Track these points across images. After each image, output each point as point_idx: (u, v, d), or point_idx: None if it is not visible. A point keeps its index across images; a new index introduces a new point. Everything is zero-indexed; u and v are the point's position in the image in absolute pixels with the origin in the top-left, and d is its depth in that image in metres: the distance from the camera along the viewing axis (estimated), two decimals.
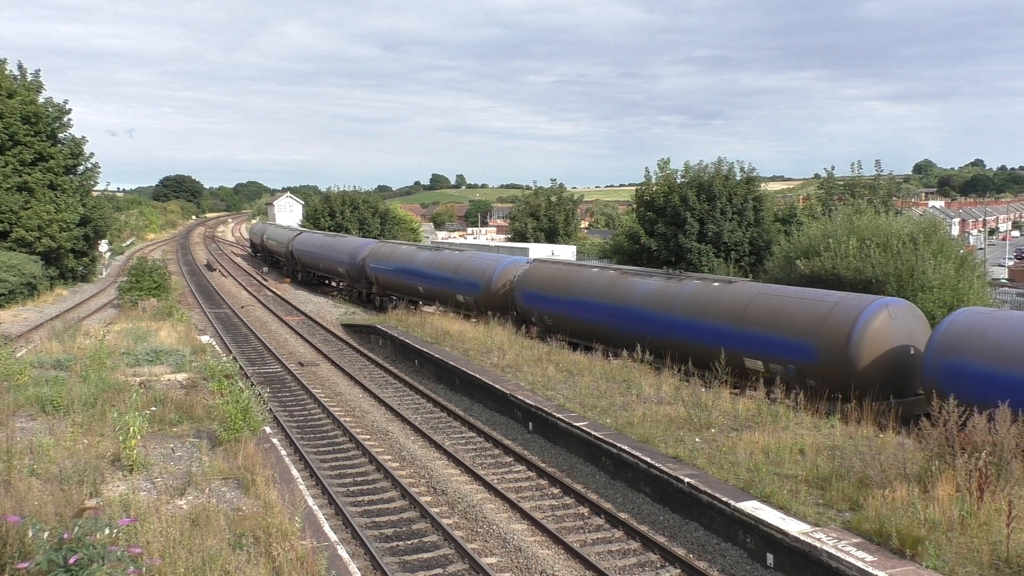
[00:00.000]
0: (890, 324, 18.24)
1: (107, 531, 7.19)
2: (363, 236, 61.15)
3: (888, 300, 19.11)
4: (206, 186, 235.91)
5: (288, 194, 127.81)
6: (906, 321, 18.57)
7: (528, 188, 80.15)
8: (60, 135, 48.81)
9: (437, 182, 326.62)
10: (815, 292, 20.79)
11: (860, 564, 10.41)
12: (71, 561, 6.63)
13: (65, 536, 6.92)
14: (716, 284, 22.74)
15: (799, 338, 19.14)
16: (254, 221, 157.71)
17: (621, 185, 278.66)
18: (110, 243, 68.39)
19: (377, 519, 14.62)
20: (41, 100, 47.62)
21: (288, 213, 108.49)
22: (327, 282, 53.66)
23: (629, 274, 26.19)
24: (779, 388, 18.55)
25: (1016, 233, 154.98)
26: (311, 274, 55.51)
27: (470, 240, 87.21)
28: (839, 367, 18.09)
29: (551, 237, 70.15)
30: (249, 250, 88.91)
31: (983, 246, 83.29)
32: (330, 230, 64.66)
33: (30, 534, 7.18)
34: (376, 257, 42.54)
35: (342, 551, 11.52)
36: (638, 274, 25.93)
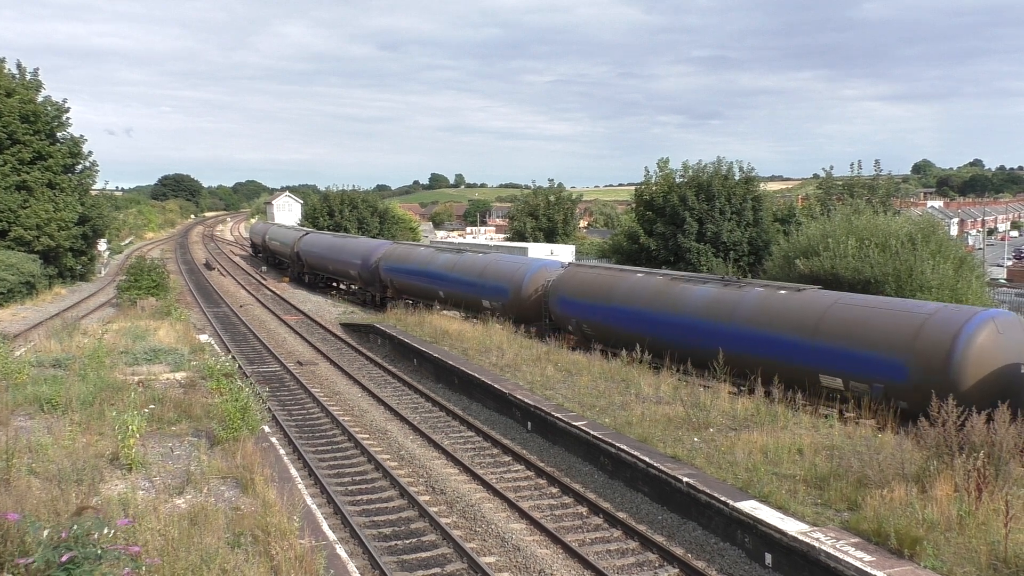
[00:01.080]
0: (998, 339, 16.25)
1: (106, 530, 7.18)
2: (360, 234, 60.84)
3: (994, 312, 17.14)
4: (205, 185, 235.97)
5: (287, 193, 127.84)
6: (1015, 335, 16.56)
7: (527, 188, 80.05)
8: (59, 134, 48.82)
9: (436, 182, 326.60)
10: (902, 302, 19.06)
11: (858, 564, 10.42)
12: (63, 559, 6.61)
13: (63, 535, 6.91)
14: (783, 292, 20.71)
15: (886, 353, 17.13)
16: (253, 220, 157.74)
17: (620, 185, 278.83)
18: (109, 242, 68.34)
19: (376, 518, 14.62)
20: (40, 99, 47.64)
21: (287, 212, 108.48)
22: (335, 285, 51.61)
23: (680, 280, 23.96)
24: (863, 408, 17.10)
25: (1015, 233, 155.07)
26: (318, 276, 53.28)
27: (469, 240, 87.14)
28: (937, 387, 15.36)
29: (550, 237, 70.14)
30: (249, 250, 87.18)
31: (982, 246, 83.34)
32: (329, 229, 64.50)
33: (30, 532, 7.17)
34: (391, 259, 40.66)
35: (340, 550, 11.52)
36: (690, 280, 23.77)
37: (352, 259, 45.16)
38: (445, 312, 34.11)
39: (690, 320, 22.20)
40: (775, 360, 19.48)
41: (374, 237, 59.61)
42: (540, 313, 29.38)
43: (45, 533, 7.03)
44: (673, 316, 22.78)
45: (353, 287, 47.31)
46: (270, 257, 69.00)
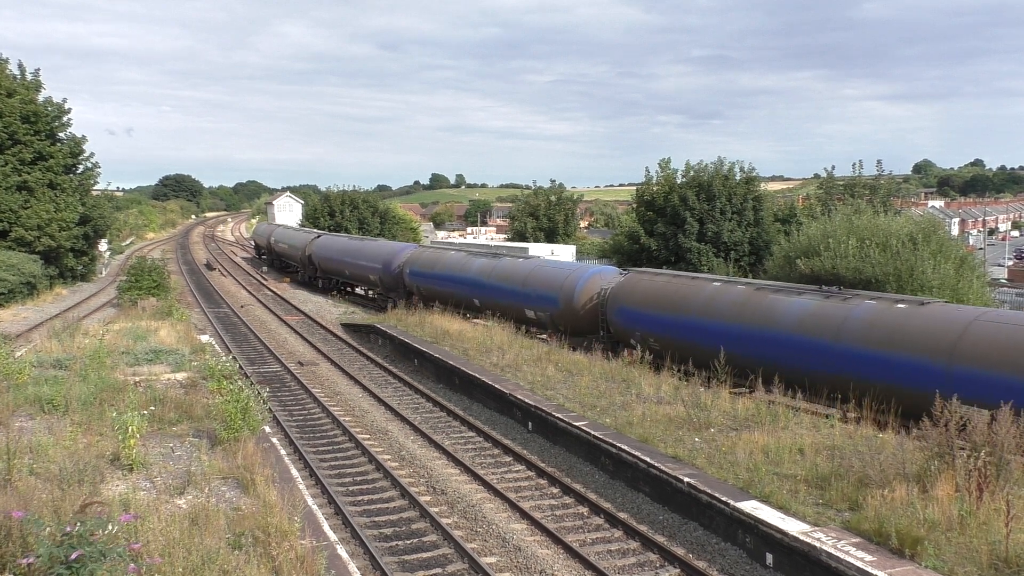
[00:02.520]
0: None
1: (110, 527, 7.19)
2: (362, 235, 60.56)
3: None
4: (205, 185, 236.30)
5: (288, 194, 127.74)
6: None
7: (527, 188, 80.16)
8: (59, 134, 48.83)
9: (436, 182, 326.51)
10: None
11: (859, 564, 10.41)
12: (72, 557, 6.62)
13: (68, 530, 6.92)
14: (902, 306, 17.98)
15: None
16: (254, 221, 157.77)
17: (620, 185, 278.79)
18: (109, 242, 68.41)
19: (376, 519, 14.62)
20: (40, 99, 47.66)
21: (287, 213, 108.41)
22: (350, 290, 49.22)
23: (768, 291, 21.23)
24: None
25: (1015, 233, 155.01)
26: (332, 281, 50.41)
27: (469, 240, 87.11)
28: None
29: (550, 237, 70.22)
30: (252, 252, 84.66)
31: (982, 246, 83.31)
32: (330, 230, 64.41)
33: (33, 531, 7.18)
34: (417, 264, 38.01)
35: (341, 551, 11.52)
36: (780, 290, 21.09)
37: (372, 263, 42.55)
38: (478, 321, 31.50)
39: (784, 336, 19.64)
40: (896, 385, 16.86)
41: (375, 237, 57.98)
42: (595, 325, 26.75)
43: (47, 531, 7.04)
44: (761, 331, 20.23)
45: (371, 293, 44.96)
46: (276, 260, 66.51)
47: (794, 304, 20.09)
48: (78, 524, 6.97)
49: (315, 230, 61.23)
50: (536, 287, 29.10)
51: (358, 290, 48.06)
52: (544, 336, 27.14)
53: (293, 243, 58.24)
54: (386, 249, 42.67)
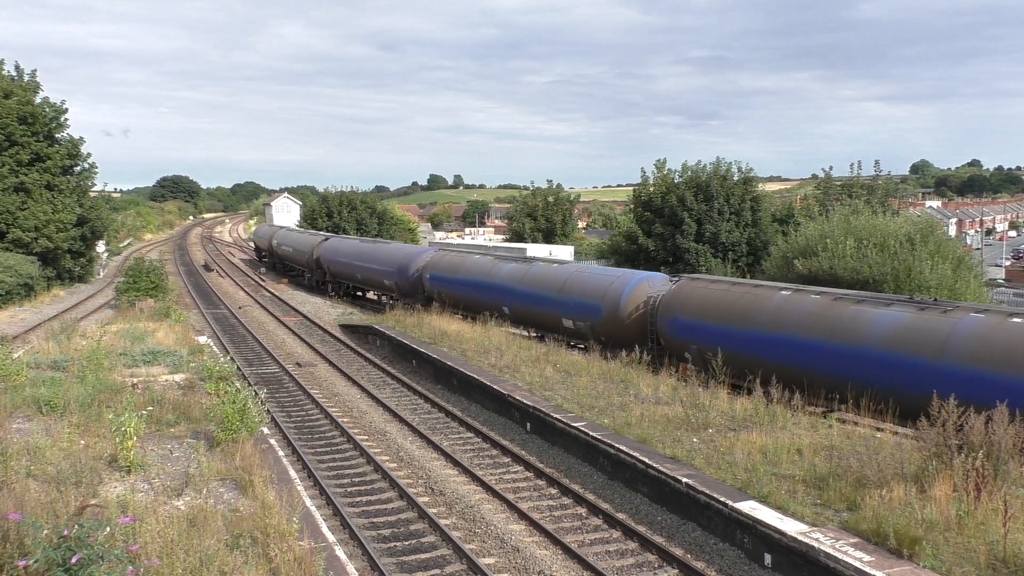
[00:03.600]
0: None
1: (107, 530, 7.19)
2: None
3: None
4: (203, 186, 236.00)
5: (286, 194, 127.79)
6: None
7: (526, 188, 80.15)
8: (57, 135, 48.83)
9: (435, 182, 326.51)
10: None
11: (857, 564, 10.42)
12: (73, 560, 6.62)
13: (65, 533, 6.92)
14: (1018, 320, 15.92)
15: None
16: (252, 222, 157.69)
17: (619, 185, 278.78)
18: (107, 244, 68.35)
19: (375, 520, 14.62)
20: (38, 100, 47.63)
21: (285, 214, 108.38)
22: (361, 295, 47.41)
23: (848, 301, 19.07)
24: None
25: (1013, 233, 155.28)
26: (342, 286, 48.41)
27: (468, 240, 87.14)
28: None
29: (548, 237, 70.29)
30: (252, 255, 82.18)
31: (980, 246, 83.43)
32: (328, 231, 64.33)
33: (31, 533, 7.17)
34: (438, 268, 36.00)
35: (340, 552, 11.52)
36: (865, 301, 18.95)
37: (387, 267, 40.52)
38: (508, 328, 29.79)
39: (872, 352, 17.63)
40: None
41: (389, 240, 55.61)
42: (642, 335, 24.53)
43: (44, 533, 7.02)
44: (843, 346, 18.23)
45: (385, 298, 42.92)
46: (278, 263, 64.00)
47: (882, 316, 18.03)
48: (76, 527, 6.97)
49: (322, 232, 59.38)
50: (575, 295, 26.94)
51: (370, 295, 46.30)
52: (583, 347, 24.85)
53: (299, 246, 55.99)
54: (403, 252, 40.82)
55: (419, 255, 38.87)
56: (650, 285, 25.37)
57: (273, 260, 65.75)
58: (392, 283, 40.01)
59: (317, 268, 50.78)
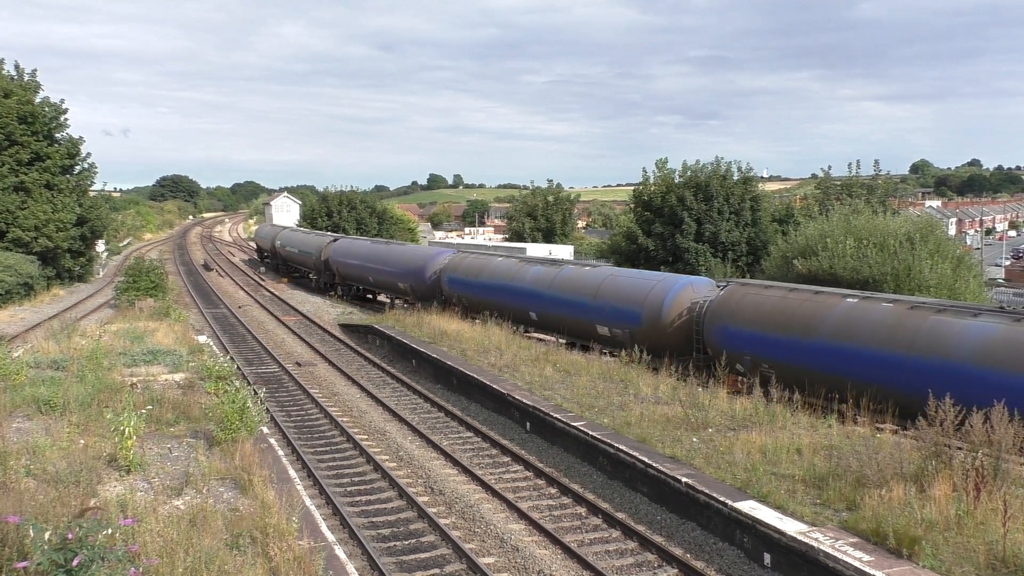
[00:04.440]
0: None
1: (109, 531, 7.19)
2: (360, 235, 60.18)
3: None
4: (203, 186, 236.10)
5: (285, 194, 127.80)
6: None
7: (525, 188, 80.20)
8: (57, 135, 48.82)
9: (434, 182, 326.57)
10: None
11: (857, 564, 10.42)
12: (74, 563, 6.61)
13: (69, 536, 6.92)
14: None
15: None
16: (252, 221, 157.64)
17: (618, 185, 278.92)
18: (107, 243, 68.33)
19: (375, 519, 14.62)
20: (38, 100, 47.62)
21: (285, 213, 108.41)
22: (372, 298, 45.64)
23: (928, 310, 17.52)
24: None
25: (1013, 233, 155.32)
26: (351, 288, 46.78)
27: (467, 240, 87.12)
28: None
29: (548, 237, 70.35)
30: (254, 255, 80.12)
31: (980, 246, 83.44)
32: (328, 230, 64.29)
33: (31, 534, 7.17)
34: (458, 271, 34.33)
35: (339, 551, 11.52)
36: (947, 310, 17.37)
37: (402, 270, 38.80)
38: (537, 335, 28.69)
39: (960, 368, 16.01)
40: None
41: (403, 242, 53.40)
42: (686, 344, 23.21)
43: (46, 535, 7.02)
44: (924, 360, 16.71)
45: (398, 301, 41.37)
46: (282, 265, 61.74)
47: (971, 328, 16.47)
48: (77, 528, 6.97)
49: (330, 233, 57.86)
50: (611, 300, 25.29)
51: (381, 297, 44.62)
52: (617, 355, 23.31)
53: (305, 247, 53.96)
54: (419, 254, 39.16)
55: (436, 257, 37.14)
56: (694, 290, 23.81)
57: (276, 261, 63.89)
58: (407, 286, 38.35)
59: (325, 270, 49.23)
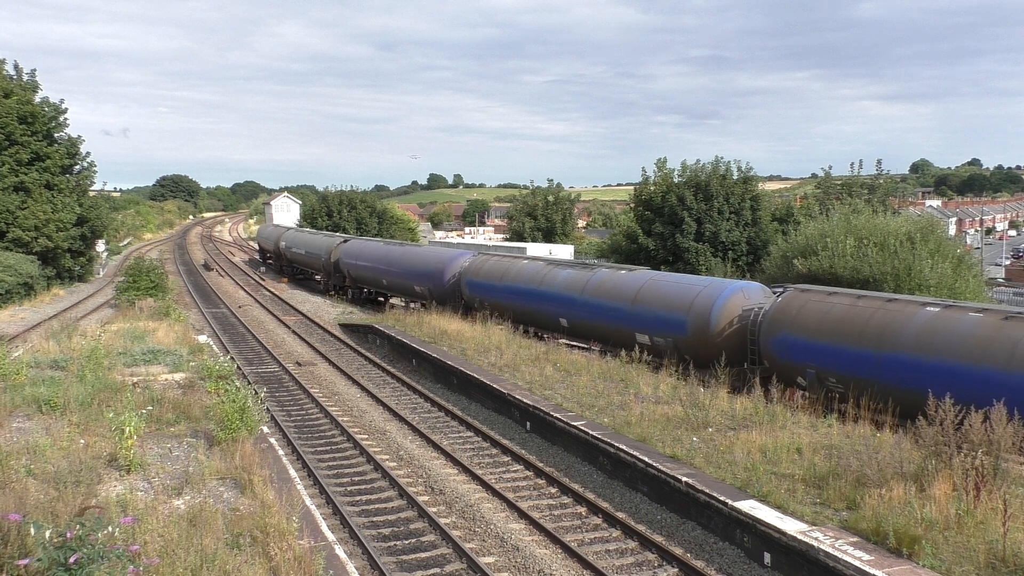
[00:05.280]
0: None
1: (109, 530, 7.20)
2: (361, 234, 59.93)
3: None
4: (203, 186, 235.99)
5: (285, 194, 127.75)
6: None
7: (525, 188, 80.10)
8: (56, 135, 48.82)
9: (434, 182, 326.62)
10: None
11: (857, 563, 10.42)
12: (71, 560, 6.63)
13: (68, 535, 6.93)
14: None
15: None
16: (252, 221, 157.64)
17: (618, 185, 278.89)
18: (107, 243, 68.31)
19: (375, 519, 14.62)
20: (37, 100, 47.62)
21: (285, 213, 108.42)
22: (384, 300, 43.71)
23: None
24: None
25: (1013, 232, 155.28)
26: (363, 291, 45.25)
27: (467, 240, 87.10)
28: None
29: (548, 237, 70.30)
30: (256, 257, 78.48)
31: (980, 246, 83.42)
32: (328, 230, 64.23)
33: (32, 532, 7.18)
34: (480, 275, 32.74)
35: (339, 551, 11.52)
36: None
37: (419, 273, 37.17)
38: (567, 342, 27.40)
39: None
40: None
41: (418, 243, 51.23)
42: (737, 354, 21.52)
43: (47, 533, 7.03)
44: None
45: (414, 305, 39.51)
46: (287, 267, 59.88)
47: None
48: (77, 527, 6.98)
49: (339, 234, 55.94)
50: (651, 306, 23.64)
51: (395, 300, 42.80)
52: (660, 364, 21.95)
53: (313, 248, 52.00)
54: (437, 256, 37.15)
55: (455, 259, 35.44)
56: (745, 296, 22.04)
57: (281, 263, 61.60)
58: (424, 289, 36.59)
59: (335, 272, 47.43)
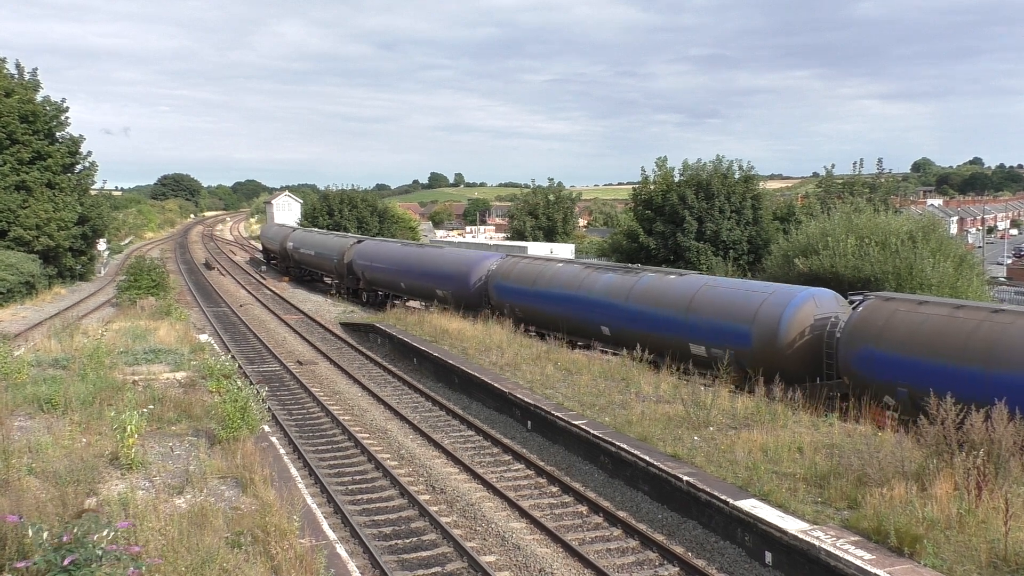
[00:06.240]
0: None
1: (106, 532, 7.19)
2: (363, 233, 59.75)
3: None
4: (204, 185, 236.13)
5: (286, 193, 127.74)
6: None
7: (526, 187, 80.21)
8: (57, 134, 48.83)
9: (435, 181, 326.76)
10: None
11: (858, 562, 10.42)
12: (66, 562, 6.63)
13: (65, 539, 6.93)
14: None
15: None
16: (253, 220, 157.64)
17: (619, 184, 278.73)
18: (108, 242, 68.33)
19: (376, 518, 14.63)
20: (38, 99, 47.63)
21: (286, 212, 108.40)
22: (402, 302, 40.82)
23: None
24: None
25: (1014, 231, 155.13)
26: (378, 294, 43.45)
27: (468, 239, 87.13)
28: None
29: (549, 236, 70.37)
30: (255, 253, 78.11)
31: (981, 244, 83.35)
32: (329, 229, 64.20)
33: (30, 534, 7.18)
34: (510, 278, 30.91)
35: (341, 549, 11.52)
36: None
37: (441, 276, 35.44)
38: (605, 349, 25.11)
39: None
40: None
41: (440, 244, 49.50)
42: (809, 368, 20.10)
43: (45, 535, 7.03)
44: None
45: (433, 309, 35.99)
46: (293, 267, 57.72)
47: None
48: (76, 529, 6.98)
49: (352, 234, 54.53)
50: (708, 315, 21.87)
51: (412, 303, 40.00)
52: (715, 378, 20.14)
53: (323, 250, 49.92)
54: (462, 259, 35.29)
55: (482, 261, 33.50)
56: (817, 304, 20.31)
57: (287, 264, 59.21)
58: (447, 293, 34.67)
59: (349, 274, 45.65)
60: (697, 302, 22.45)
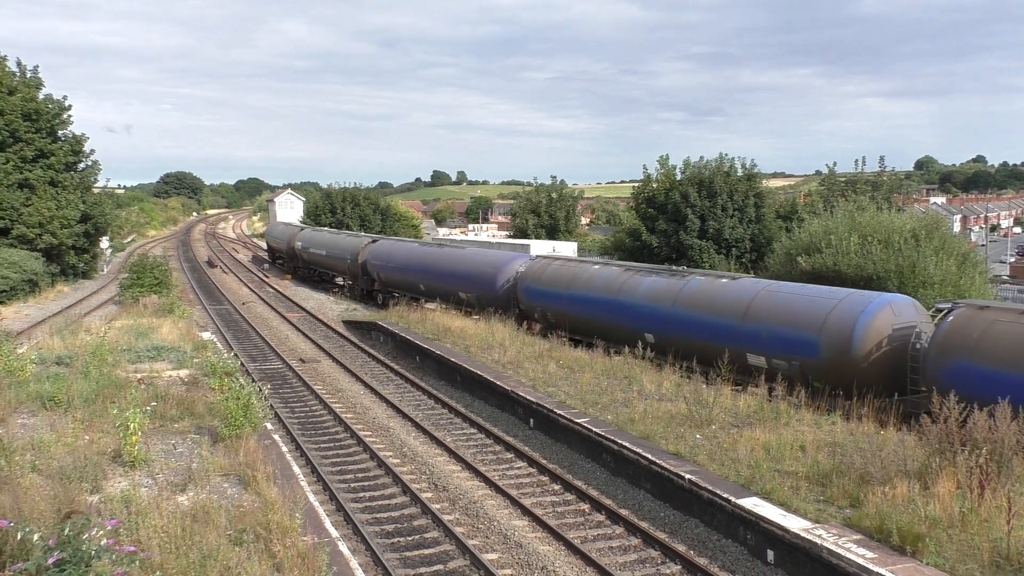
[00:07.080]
0: None
1: (95, 531, 7.17)
2: (365, 231, 59.55)
3: None
4: (206, 183, 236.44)
5: (289, 191, 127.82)
6: None
7: (529, 185, 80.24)
8: (60, 132, 48.86)
9: (438, 179, 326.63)
10: None
11: (861, 561, 10.41)
12: (50, 562, 6.62)
13: (51, 541, 6.92)
14: None
15: None
16: (255, 218, 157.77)
17: (622, 182, 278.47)
18: (111, 240, 68.41)
19: (378, 515, 14.64)
20: (41, 97, 47.67)
21: (289, 210, 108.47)
22: (419, 303, 37.56)
23: None
24: None
25: (1018, 230, 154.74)
26: (392, 295, 41.32)
27: (471, 236, 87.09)
28: None
29: (552, 234, 70.37)
30: (258, 251, 76.76)
31: (985, 243, 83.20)
32: (331, 227, 64.16)
33: (19, 537, 7.16)
34: (540, 282, 29.30)
35: (343, 547, 11.53)
36: None
37: (465, 277, 33.73)
38: (648, 360, 22.26)
39: None
40: None
41: (461, 245, 47.48)
42: (889, 382, 18.30)
43: (36, 537, 7.02)
44: None
45: (457, 311, 34.20)
46: (302, 267, 55.91)
47: None
48: (64, 530, 6.96)
49: (365, 234, 52.58)
50: (769, 323, 20.18)
51: (430, 305, 36.35)
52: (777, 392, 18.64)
53: (335, 250, 48.10)
54: (487, 260, 33.72)
55: (508, 263, 31.83)
56: (894, 312, 18.57)
57: (295, 264, 56.94)
58: (471, 296, 32.99)
59: (363, 275, 43.90)
60: (755, 308, 20.75)
